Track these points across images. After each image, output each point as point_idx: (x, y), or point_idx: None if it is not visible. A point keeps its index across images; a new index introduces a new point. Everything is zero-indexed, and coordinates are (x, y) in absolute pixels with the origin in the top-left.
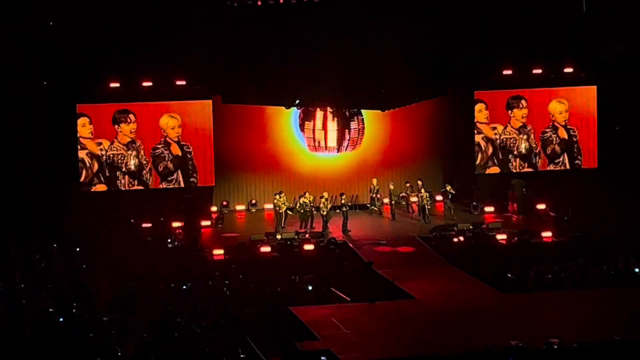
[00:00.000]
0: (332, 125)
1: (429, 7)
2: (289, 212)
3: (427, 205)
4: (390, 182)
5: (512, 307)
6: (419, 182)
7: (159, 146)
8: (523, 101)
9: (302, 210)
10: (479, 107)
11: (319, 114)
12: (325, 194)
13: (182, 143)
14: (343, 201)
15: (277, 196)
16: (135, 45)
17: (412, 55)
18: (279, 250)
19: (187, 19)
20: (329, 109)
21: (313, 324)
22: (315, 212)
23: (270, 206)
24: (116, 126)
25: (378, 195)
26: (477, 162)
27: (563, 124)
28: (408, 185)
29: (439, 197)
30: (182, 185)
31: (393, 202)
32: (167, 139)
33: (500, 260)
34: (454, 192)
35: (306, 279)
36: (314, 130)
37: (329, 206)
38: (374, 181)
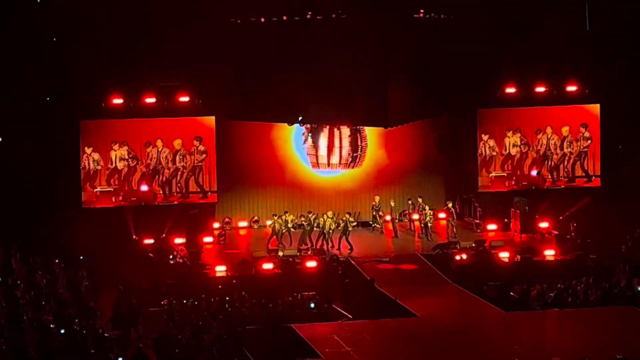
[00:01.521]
0: (335, 142)
1: (433, 25)
2: (292, 230)
3: (430, 223)
4: (392, 199)
5: (514, 325)
6: (419, 200)
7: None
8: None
9: (308, 228)
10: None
11: (322, 131)
12: (330, 213)
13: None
14: (344, 219)
15: (275, 217)
16: (138, 61)
17: (416, 73)
18: (281, 267)
19: (190, 35)
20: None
21: (315, 341)
22: (316, 228)
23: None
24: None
25: (380, 213)
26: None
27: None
28: (410, 202)
29: (442, 215)
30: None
31: (395, 219)
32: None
33: (502, 279)
34: (455, 210)
35: (308, 296)
36: (316, 147)
37: (333, 225)
38: (377, 198)
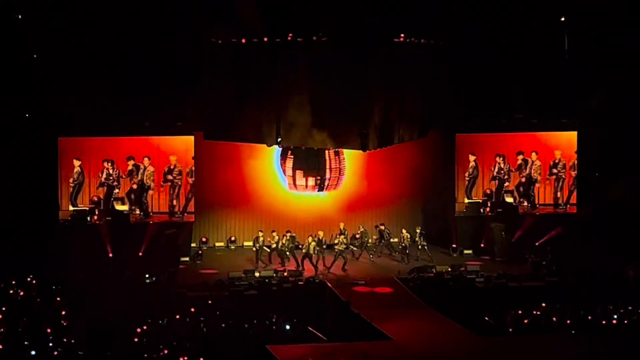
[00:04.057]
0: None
1: (412, 50)
2: (266, 249)
3: (407, 246)
4: (360, 224)
5: (488, 350)
6: (382, 227)
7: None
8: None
9: (283, 249)
10: (471, 158)
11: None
12: (321, 233)
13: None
14: (337, 240)
15: (261, 232)
16: (118, 79)
17: (395, 96)
18: (257, 288)
19: (170, 55)
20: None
21: None
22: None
23: (250, 244)
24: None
25: (357, 236)
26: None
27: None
28: (378, 229)
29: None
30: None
31: (366, 243)
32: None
33: (477, 303)
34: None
35: (284, 317)
36: (294, 168)
37: (313, 245)
38: (341, 224)
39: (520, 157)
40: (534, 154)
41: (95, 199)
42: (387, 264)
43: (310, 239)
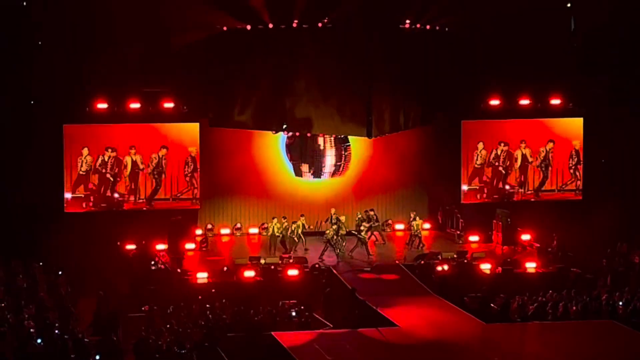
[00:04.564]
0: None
1: (418, 36)
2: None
3: (419, 234)
4: (358, 212)
5: (494, 337)
6: (371, 212)
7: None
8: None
9: (292, 236)
10: (480, 146)
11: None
12: (342, 218)
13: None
14: (362, 227)
15: (275, 220)
16: (123, 66)
17: (400, 83)
18: (262, 275)
19: (176, 41)
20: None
21: (295, 350)
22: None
23: (255, 230)
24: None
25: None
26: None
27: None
28: (372, 213)
29: (427, 225)
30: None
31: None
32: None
33: (483, 290)
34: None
35: (289, 304)
36: (300, 155)
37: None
38: (332, 210)
39: (506, 147)
40: (550, 143)
41: (91, 186)
42: (393, 251)
43: (330, 225)
